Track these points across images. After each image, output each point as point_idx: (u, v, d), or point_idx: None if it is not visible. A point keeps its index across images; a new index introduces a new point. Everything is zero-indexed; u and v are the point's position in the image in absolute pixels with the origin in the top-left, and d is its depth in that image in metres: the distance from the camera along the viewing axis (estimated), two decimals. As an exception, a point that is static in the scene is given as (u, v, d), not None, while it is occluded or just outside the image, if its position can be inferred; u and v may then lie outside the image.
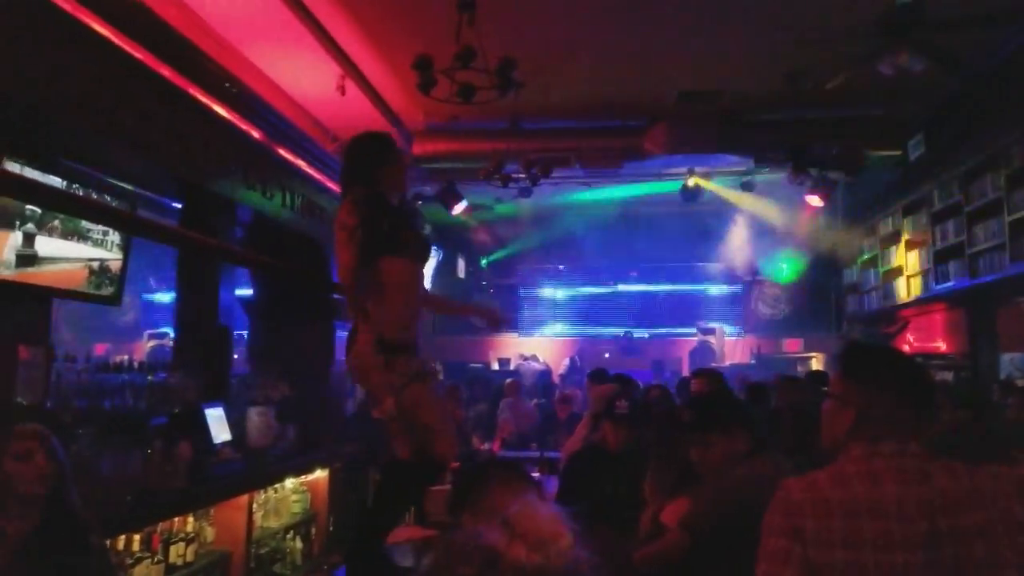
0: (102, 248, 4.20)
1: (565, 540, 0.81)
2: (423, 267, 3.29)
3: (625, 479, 3.60)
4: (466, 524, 0.92)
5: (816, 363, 10.47)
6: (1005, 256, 6.32)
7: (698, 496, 2.66)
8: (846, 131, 7.72)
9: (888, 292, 9.05)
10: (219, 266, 5.04)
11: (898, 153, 7.96)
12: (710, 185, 9.31)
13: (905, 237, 8.46)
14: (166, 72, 4.38)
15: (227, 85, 5.00)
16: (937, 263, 7.63)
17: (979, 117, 6.83)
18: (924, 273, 7.98)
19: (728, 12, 5.64)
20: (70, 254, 3.95)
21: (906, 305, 8.71)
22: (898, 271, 8.70)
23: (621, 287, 12.77)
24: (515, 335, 12.57)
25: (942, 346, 8.99)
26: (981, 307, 7.58)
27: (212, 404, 4.69)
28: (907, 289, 8.44)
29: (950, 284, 7.38)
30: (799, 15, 5.62)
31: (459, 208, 9.01)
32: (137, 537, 3.78)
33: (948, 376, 7.74)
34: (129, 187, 4.89)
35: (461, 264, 12.33)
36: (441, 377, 8.87)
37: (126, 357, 4.64)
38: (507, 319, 3.41)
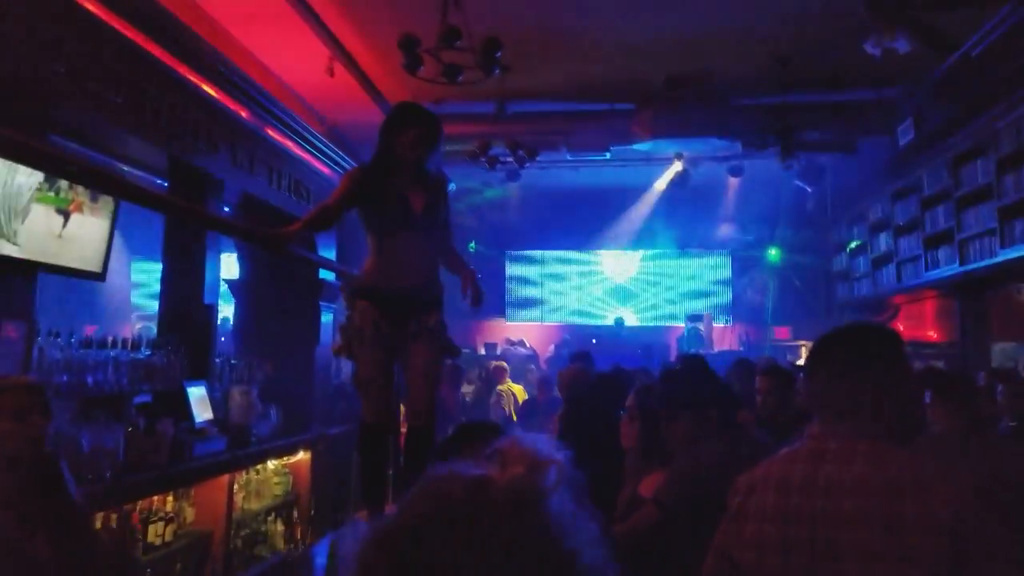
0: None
1: (559, 463, 0.78)
2: (404, 234, 3.19)
3: None
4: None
5: (805, 351, 10.46)
6: (996, 242, 6.29)
7: (670, 471, 2.67)
8: (835, 115, 7.70)
9: (878, 279, 9.04)
10: (205, 244, 5.02)
11: (888, 138, 7.94)
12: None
13: (895, 223, 8.44)
14: (157, 52, 4.38)
15: (218, 66, 4.97)
16: (927, 250, 7.61)
17: (969, 102, 6.78)
18: (914, 260, 7.97)
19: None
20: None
21: (896, 292, 8.71)
22: (888, 257, 8.69)
23: (610, 268, 12.74)
24: (502, 320, 12.48)
25: (933, 334, 8.97)
26: (972, 294, 7.48)
27: (195, 383, 4.67)
28: (897, 276, 8.43)
29: (940, 271, 7.36)
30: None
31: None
32: (115, 515, 3.76)
33: (940, 365, 7.67)
34: (124, 168, 4.90)
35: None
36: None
37: (111, 337, 4.60)
38: (482, 301, 3.46)
